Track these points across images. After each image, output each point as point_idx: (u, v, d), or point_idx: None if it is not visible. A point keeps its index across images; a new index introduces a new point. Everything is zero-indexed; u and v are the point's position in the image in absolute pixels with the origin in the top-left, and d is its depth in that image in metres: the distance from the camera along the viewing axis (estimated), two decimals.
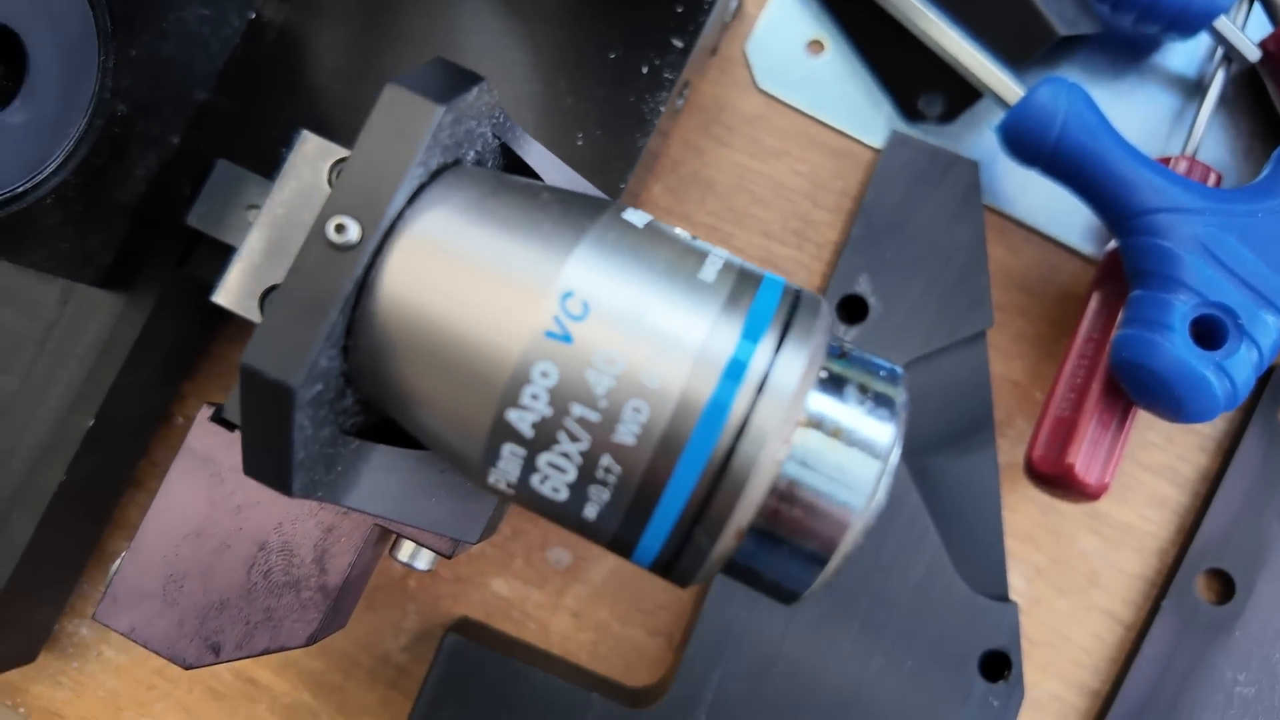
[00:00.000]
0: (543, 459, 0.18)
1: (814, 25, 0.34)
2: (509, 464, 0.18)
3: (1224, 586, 0.31)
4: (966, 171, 0.32)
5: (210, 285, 0.28)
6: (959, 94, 0.33)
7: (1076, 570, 0.32)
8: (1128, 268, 0.29)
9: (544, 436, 0.18)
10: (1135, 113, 0.34)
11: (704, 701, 0.29)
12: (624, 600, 0.32)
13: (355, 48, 0.30)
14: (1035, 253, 0.33)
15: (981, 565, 0.30)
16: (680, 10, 0.29)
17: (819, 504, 0.18)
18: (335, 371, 0.18)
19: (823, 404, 0.18)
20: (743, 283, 0.18)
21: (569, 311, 0.17)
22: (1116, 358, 0.28)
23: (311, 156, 0.27)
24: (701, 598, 0.31)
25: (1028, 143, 0.29)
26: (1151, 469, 0.32)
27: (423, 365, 0.18)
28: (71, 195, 0.26)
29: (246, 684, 0.32)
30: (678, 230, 0.20)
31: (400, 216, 0.18)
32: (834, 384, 0.18)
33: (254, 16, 0.30)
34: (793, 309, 0.18)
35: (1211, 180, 0.31)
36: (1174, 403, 0.27)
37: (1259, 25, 0.33)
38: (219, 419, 0.25)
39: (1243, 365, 0.26)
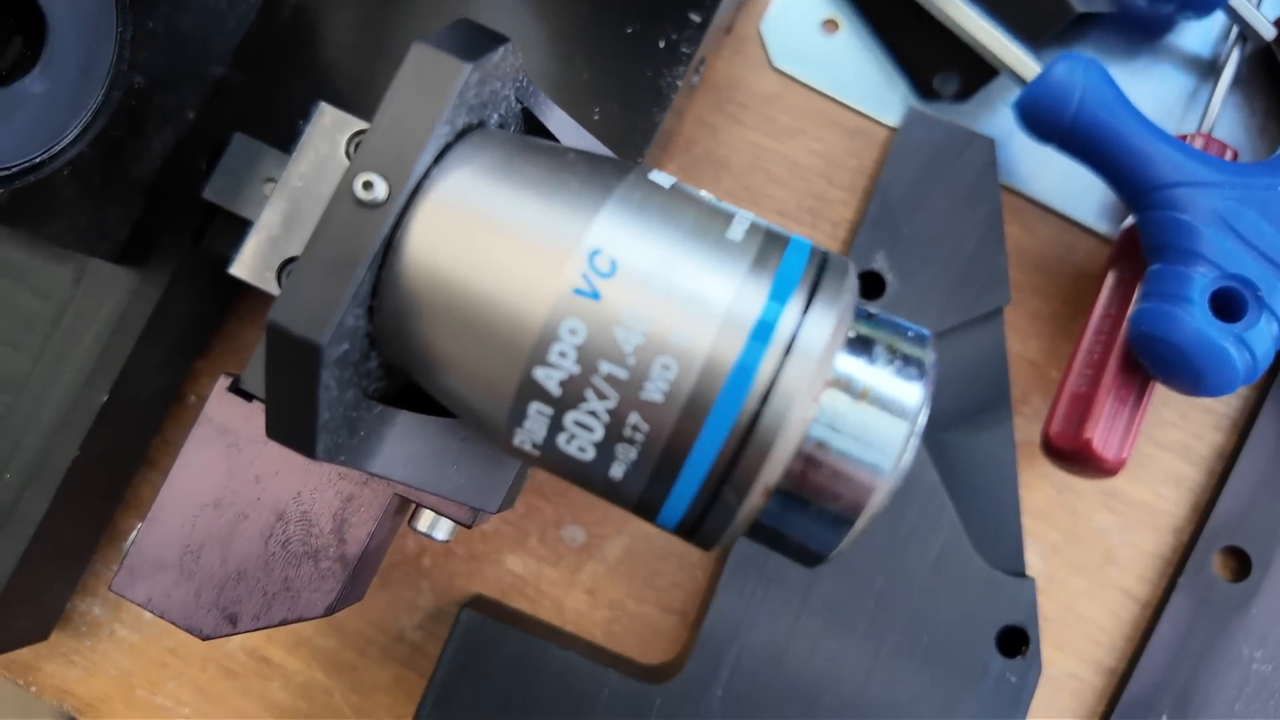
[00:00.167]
0: (570, 418, 0.18)
1: (828, 4, 0.34)
2: (535, 424, 0.18)
3: (1240, 564, 0.31)
4: (983, 148, 0.32)
5: (226, 259, 0.28)
6: (974, 72, 0.33)
7: (1092, 548, 0.32)
8: (1145, 243, 0.28)
9: (571, 395, 0.17)
10: (1150, 92, 0.34)
11: (720, 678, 0.29)
12: (638, 578, 0.32)
13: (371, 23, 0.30)
14: (1050, 232, 0.33)
15: (998, 541, 0.30)
16: None
17: (846, 465, 0.18)
18: (361, 332, 0.18)
19: (850, 365, 0.18)
20: (770, 244, 0.18)
21: (597, 269, 0.17)
22: (1135, 331, 0.28)
23: (329, 129, 0.27)
24: (717, 574, 0.30)
25: (1045, 118, 0.29)
26: (1167, 447, 0.32)
27: (449, 325, 0.18)
28: (89, 168, 0.26)
29: (260, 662, 0.32)
30: (703, 192, 0.19)
31: (426, 176, 0.18)
32: (862, 345, 0.18)
33: None
34: (820, 270, 0.18)
35: (1228, 157, 0.31)
36: (1193, 375, 0.27)
37: (1274, 3, 0.33)
38: (236, 389, 0.25)
39: (1262, 337, 0.26)
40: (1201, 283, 0.27)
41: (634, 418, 0.17)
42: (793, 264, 0.18)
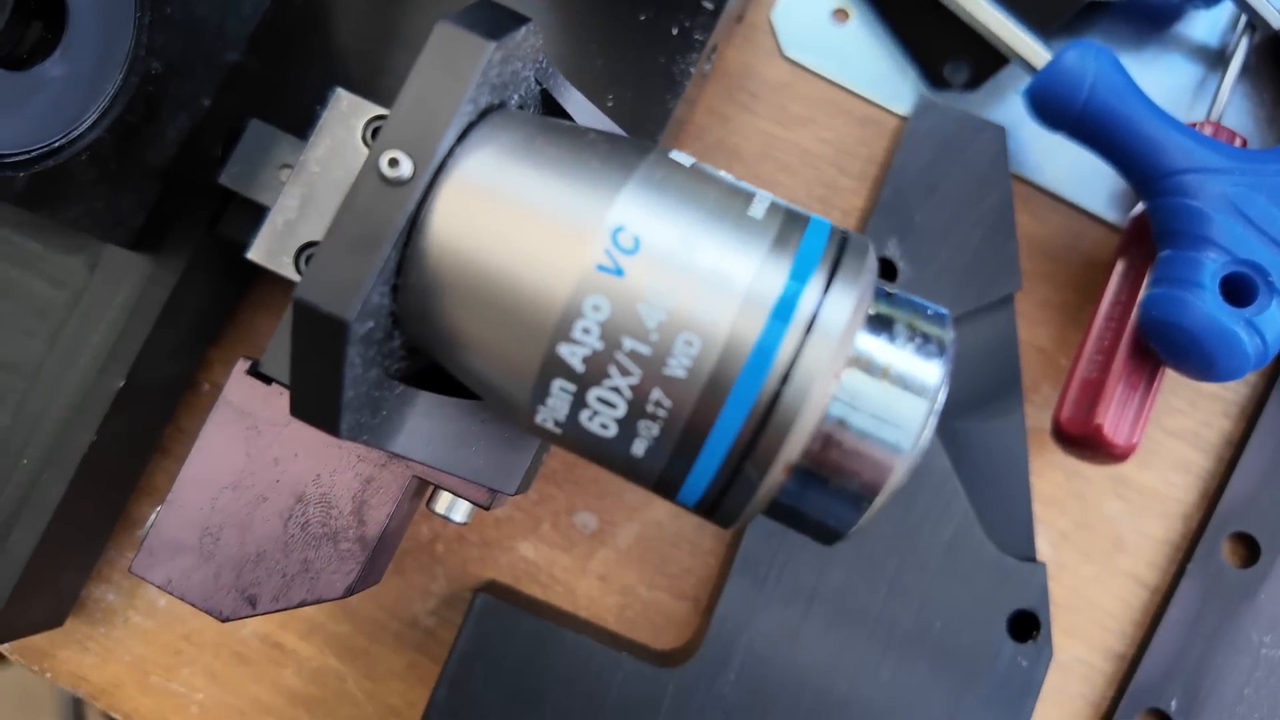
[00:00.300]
0: (593, 394, 0.18)
1: None
2: (558, 401, 0.18)
3: (1249, 550, 0.32)
4: (994, 136, 0.32)
5: (241, 245, 0.28)
6: (984, 61, 0.33)
7: (1101, 535, 0.32)
8: (1156, 229, 0.29)
9: (595, 371, 0.18)
10: (1158, 81, 0.34)
11: (733, 662, 0.29)
12: (650, 564, 0.32)
13: (384, 9, 0.30)
14: (1060, 220, 0.33)
15: (1009, 527, 0.30)
16: None
17: (866, 443, 0.18)
18: (385, 310, 0.19)
19: (870, 344, 0.18)
20: (790, 223, 0.18)
21: (620, 245, 0.17)
22: (1146, 316, 0.28)
23: (345, 114, 0.27)
24: (729, 561, 0.31)
25: (1055, 106, 0.29)
26: (1175, 434, 0.33)
27: (473, 303, 0.18)
28: (106, 153, 0.26)
29: (273, 648, 0.32)
30: (722, 172, 0.20)
31: (450, 155, 0.18)
32: (882, 324, 0.19)
33: None
34: (840, 250, 0.18)
35: (1237, 144, 0.31)
36: (1204, 360, 0.27)
37: None
38: (255, 373, 0.25)
39: (1273, 322, 0.26)
40: (1212, 268, 0.27)
41: (657, 394, 0.18)
42: (813, 243, 0.18)
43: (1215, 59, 0.35)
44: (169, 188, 0.28)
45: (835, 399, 0.18)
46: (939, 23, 0.33)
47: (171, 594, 0.24)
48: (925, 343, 0.18)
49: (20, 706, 1.06)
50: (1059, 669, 0.31)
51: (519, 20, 0.19)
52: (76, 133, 0.25)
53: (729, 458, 0.18)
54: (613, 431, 0.18)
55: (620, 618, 0.32)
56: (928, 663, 0.29)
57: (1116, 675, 0.32)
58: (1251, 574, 0.31)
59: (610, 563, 0.32)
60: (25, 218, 0.29)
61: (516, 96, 0.20)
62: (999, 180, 0.31)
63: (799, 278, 0.18)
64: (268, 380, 0.25)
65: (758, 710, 0.29)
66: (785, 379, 0.17)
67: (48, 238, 0.29)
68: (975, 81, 0.33)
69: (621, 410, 0.18)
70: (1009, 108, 0.34)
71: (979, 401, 0.31)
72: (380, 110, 0.27)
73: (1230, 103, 0.34)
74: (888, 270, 0.31)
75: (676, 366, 0.17)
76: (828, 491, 0.19)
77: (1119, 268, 0.31)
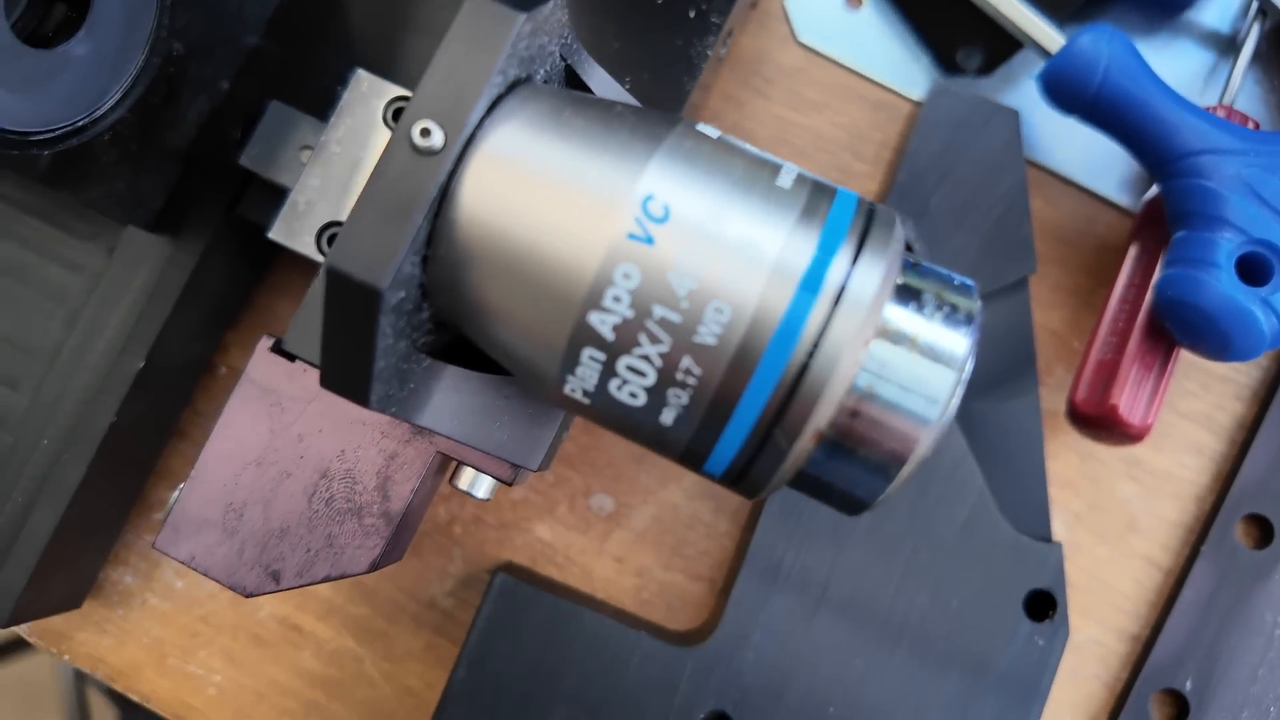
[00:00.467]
0: (622, 363, 0.18)
1: None
2: (587, 370, 0.18)
3: (1262, 532, 0.32)
4: (1008, 120, 0.32)
5: (261, 227, 0.28)
6: (998, 46, 0.33)
7: (1115, 516, 0.32)
8: (1171, 211, 0.29)
9: (625, 339, 0.18)
10: (1169, 68, 0.34)
11: (751, 641, 0.29)
12: (666, 546, 0.32)
13: None
14: (1072, 205, 0.34)
15: (1025, 507, 0.30)
16: None
17: (894, 414, 0.18)
18: (415, 281, 0.19)
19: (898, 314, 0.18)
20: (818, 194, 0.19)
21: (650, 214, 0.18)
22: (1161, 297, 0.28)
23: (366, 95, 0.27)
24: (745, 542, 0.31)
25: (1070, 89, 0.29)
26: (1189, 416, 0.33)
27: (504, 272, 0.18)
28: (128, 133, 0.26)
29: (290, 630, 0.32)
30: (748, 144, 0.20)
31: (479, 126, 0.18)
32: (909, 294, 0.19)
33: None
34: (868, 221, 0.19)
35: (1250, 127, 0.31)
36: (1220, 339, 0.27)
37: None
38: (278, 350, 0.25)
39: None
40: (1227, 247, 0.27)
41: (687, 361, 0.18)
42: (841, 214, 0.18)
43: (1227, 45, 0.35)
44: (188, 170, 0.28)
45: (863, 369, 0.18)
46: (952, 8, 0.33)
47: (195, 570, 0.24)
48: (953, 312, 0.19)
49: (23, 703, 1.06)
50: (1073, 650, 0.32)
51: None
52: (99, 112, 0.25)
53: (757, 425, 0.18)
54: (641, 400, 0.18)
55: (636, 599, 0.32)
56: (944, 642, 0.29)
57: (1131, 656, 0.32)
58: (1265, 555, 0.31)
59: (626, 544, 0.32)
60: (42, 205, 0.30)
61: (542, 71, 0.21)
62: (1013, 164, 0.32)
63: (827, 248, 0.18)
64: (291, 358, 0.25)
65: (775, 689, 0.29)
66: (814, 348, 0.17)
67: (64, 223, 0.30)
68: (988, 67, 0.34)
69: (651, 379, 0.18)
70: (1021, 93, 0.34)
71: (994, 383, 0.31)
72: (401, 91, 0.27)
73: (1242, 89, 0.34)
74: None
75: (707, 334, 0.17)
76: (855, 461, 0.19)
77: (1132, 251, 0.31)
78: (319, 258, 0.27)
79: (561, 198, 0.18)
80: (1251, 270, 0.27)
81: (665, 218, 0.18)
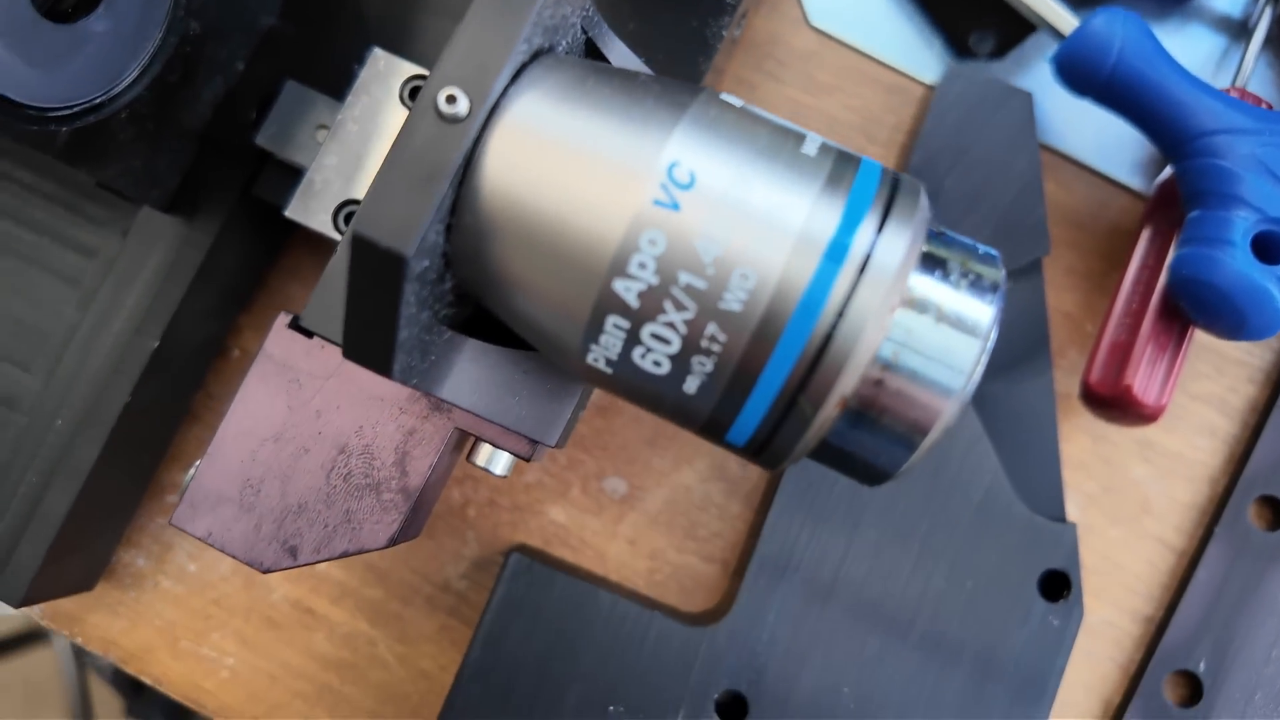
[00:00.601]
0: (647, 330, 0.18)
1: None
2: (611, 339, 0.18)
3: (1275, 513, 0.32)
4: (1021, 102, 0.32)
5: (276, 207, 0.28)
6: (1010, 30, 0.33)
7: (1129, 498, 0.32)
8: (1185, 190, 0.29)
9: (650, 306, 0.18)
10: (1181, 52, 0.34)
11: (766, 621, 0.29)
12: (679, 528, 0.32)
13: None
14: (1085, 188, 0.34)
15: (1039, 488, 0.31)
16: None
17: (918, 382, 0.18)
18: (439, 250, 0.19)
19: (923, 283, 0.18)
20: (842, 163, 0.19)
21: (676, 180, 0.18)
22: (1176, 276, 0.28)
23: (383, 73, 0.27)
24: (759, 523, 0.31)
25: (1084, 71, 0.30)
26: (1201, 399, 0.33)
27: (528, 239, 0.18)
28: (144, 112, 0.26)
29: (304, 614, 0.32)
30: (772, 114, 0.20)
31: (503, 94, 0.18)
32: (934, 263, 0.19)
33: None
34: (893, 190, 0.19)
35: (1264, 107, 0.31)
36: (1236, 317, 0.27)
37: None
38: (296, 326, 0.25)
39: None
40: (1243, 226, 0.27)
41: (712, 328, 0.18)
42: (866, 183, 0.18)
43: (1238, 30, 0.35)
44: (204, 149, 0.28)
45: (888, 338, 0.18)
46: None
47: (212, 546, 0.24)
48: (978, 281, 0.19)
49: (26, 700, 1.06)
50: (1087, 631, 0.32)
51: None
52: (117, 90, 0.25)
53: (782, 393, 0.18)
54: (665, 369, 0.18)
55: (650, 581, 0.32)
56: (959, 623, 0.29)
57: (1144, 638, 0.32)
58: (1278, 537, 0.31)
59: (640, 527, 0.32)
60: (55, 190, 0.30)
61: (564, 42, 0.21)
62: (1027, 145, 0.32)
63: (853, 216, 0.18)
64: (308, 334, 0.25)
65: (790, 669, 0.29)
66: (839, 316, 0.18)
67: (78, 207, 0.30)
68: (1000, 51, 0.34)
69: (675, 346, 0.18)
70: (1034, 77, 0.34)
71: (1009, 364, 0.31)
72: (418, 70, 0.27)
73: (1254, 72, 0.34)
74: None
75: (732, 300, 0.17)
76: (878, 431, 0.19)
77: (1146, 233, 0.31)
78: (336, 236, 0.27)
79: (586, 164, 0.18)
80: (1267, 248, 0.27)
81: (691, 184, 0.18)
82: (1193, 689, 0.31)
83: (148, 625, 0.32)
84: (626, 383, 0.19)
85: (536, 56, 0.19)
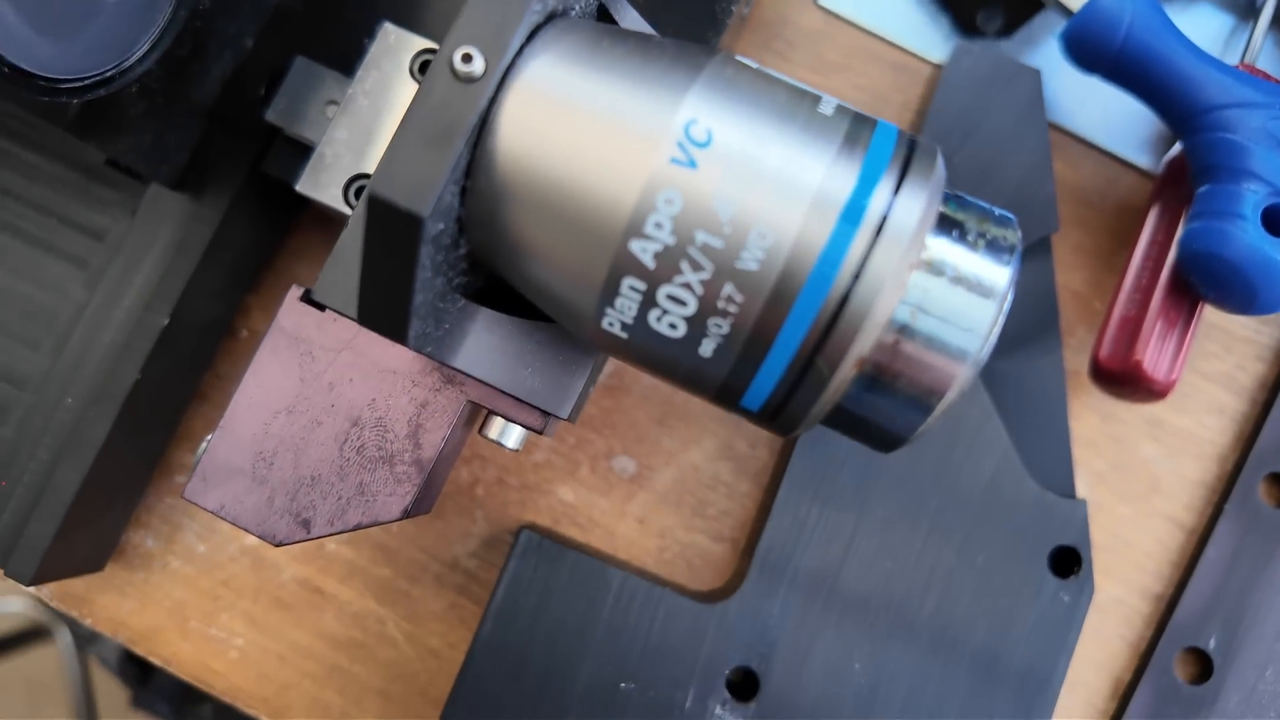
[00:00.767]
0: (663, 291, 0.18)
1: None
2: (627, 302, 0.18)
3: None
4: (1030, 79, 0.32)
5: (285, 183, 0.28)
6: (1018, 8, 0.33)
7: (1138, 476, 0.32)
8: (1195, 165, 0.29)
9: (666, 267, 0.18)
10: (1189, 31, 0.34)
11: (777, 598, 0.29)
12: (688, 507, 0.32)
13: None
14: (1093, 167, 0.34)
15: (1049, 465, 0.30)
16: None
17: (934, 345, 0.18)
18: (454, 213, 0.19)
19: (939, 245, 0.18)
20: (859, 123, 0.19)
21: (693, 138, 0.18)
22: (1186, 250, 0.28)
23: (393, 48, 0.27)
24: (768, 501, 0.31)
25: (1093, 47, 0.29)
26: (1210, 377, 0.33)
27: (543, 201, 0.18)
28: (155, 87, 0.26)
29: (312, 593, 0.32)
30: (788, 76, 0.20)
31: (518, 55, 0.18)
32: (950, 225, 0.19)
33: None
34: (910, 151, 0.19)
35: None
36: (1247, 290, 0.27)
37: None
38: (308, 299, 0.25)
39: None
40: (1253, 199, 0.27)
41: (728, 289, 0.18)
42: (883, 144, 0.18)
43: (1246, 9, 0.35)
44: (213, 125, 0.28)
45: (904, 300, 0.18)
46: None
47: (224, 519, 0.24)
48: (994, 243, 0.19)
49: (27, 699, 1.05)
50: (1097, 609, 0.32)
51: None
52: (127, 63, 0.25)
53: (798, 355, 0.18)
54: (681, 331, 0.18)
55: (659, 560, 0.32)
56: (971, 596, 0.29)
57: (1154, 615, 0.32)
58: None
59: (648, 505, 0.32)
60: (62, 172, 0.30)
61: (577, 7, 0.21)
62: (1035, 123, 0.32)
63: (870, 177, 0.18)
64: (321, 308, 0.25)
65: (801, 645, 0.29)
66: (856, 277, 0.17)
67: (85, 189, 0.30)
68: (1008, 29, 0.34)
69: (692, 307, 0.18)
70: (1042, 56, 0.34)
71: (1019, 340, 0.31)
72: (428, 44, 0.27)
73: (1263, 50, 0.34)
74: None
75: (750, 259, 0.17)
76: (893, 394, 0.19)
77: (1154, 211, 0.31)
78: (346, 210, 0.27)
79: (602, 125, 0.18)
80: (1277, 222, 0.27)
81: (708, 142, 0.18)
82: (1203, 666, 0.31)
83: (157, 606, 0.32)
84: (641, 347, 0.19)
85: (550, 19, 0.19)
